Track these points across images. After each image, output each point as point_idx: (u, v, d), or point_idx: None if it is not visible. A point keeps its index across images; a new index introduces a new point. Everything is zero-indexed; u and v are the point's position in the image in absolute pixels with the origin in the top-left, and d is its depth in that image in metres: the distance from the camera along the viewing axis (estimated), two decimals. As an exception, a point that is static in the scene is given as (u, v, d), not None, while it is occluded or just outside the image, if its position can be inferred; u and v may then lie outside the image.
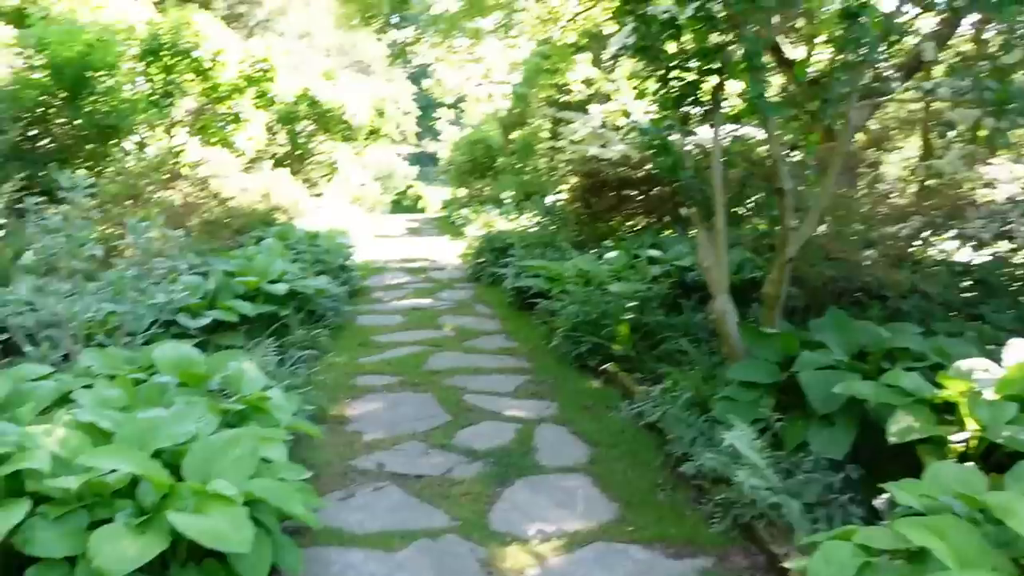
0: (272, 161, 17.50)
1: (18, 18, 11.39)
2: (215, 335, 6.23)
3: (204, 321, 6.06)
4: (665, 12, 4.92)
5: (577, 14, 14.28)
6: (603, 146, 12.62)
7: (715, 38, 4.93)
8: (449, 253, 14.78)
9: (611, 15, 13.30)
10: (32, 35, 10.19)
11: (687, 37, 5.02)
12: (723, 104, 5.04)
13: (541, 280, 8.27)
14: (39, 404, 3.72)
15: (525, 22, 15.11)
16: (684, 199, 5.09)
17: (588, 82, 16.36)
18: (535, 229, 11.49)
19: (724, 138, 5.12)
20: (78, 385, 3.91)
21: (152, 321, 5.17)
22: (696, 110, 5.10)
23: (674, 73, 5.01)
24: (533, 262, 8.76)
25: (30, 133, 9.76)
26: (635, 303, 6.67)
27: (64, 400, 3.79)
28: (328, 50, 27.80)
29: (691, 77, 5.02)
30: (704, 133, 5.51)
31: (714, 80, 5.00)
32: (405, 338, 7.77)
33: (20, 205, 8.86)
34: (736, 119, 5.25)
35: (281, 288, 6.91)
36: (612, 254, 8.58)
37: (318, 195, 18.85)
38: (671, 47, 5.09)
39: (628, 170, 10.23)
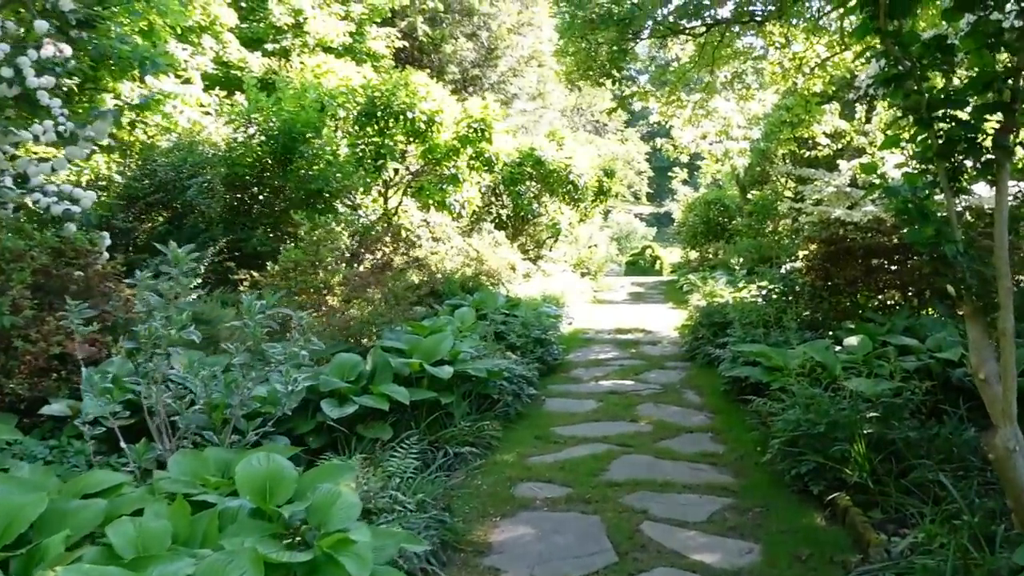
0: (493, 224, 17.20)
1: (267, 88, 11.78)
2: (362, 425, 5.47)
3: (350, 410, 5.31)
4: (930, 30, 3.55)
5: (825, 59, 12.69)
6: (850, 207, 10.87)
7: (1003, 61, 3.49)
8: (668, 324, 13.46)
9: (859, 51, 11.63)
10: (250, 102, 10.40)
11: (959, 63, 3.61)
12: (1013, 153, 3.53)
13: (759, 370, 6.82)
14: (77, 531, 3.02)
15: (766, 72, 13.71)
16: (951, 283, 3.61)
17: (836, 135, 14.55)
18: (760, 302, 9.96)
19: (1013, 200, 3.60)
20: (129, 508, 3.19)
21: (260, 416, 4.44)
22: (970, 162, 3.63)
23: (939, 112, 3.59)
24: (751, 346, 7.31)
25: (239, 196, 9.85)
26: (878, 410, 5.10)
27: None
28: (564, 111, 27.66)
29: (964, 116, 3.58)
30: (981, 192, 3.97)
31: (998, 119, 3.53)
32: (592, 432, 6.63)
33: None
34: (1032, 173, 3.69)
35: (445, 371, 6.05)
36: (852, 340, 6.96)
37: (537, 258, 18.29)
38: (937, 78, 3.69)
39: (879, 236, 8.51)
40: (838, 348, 6.90)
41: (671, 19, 11.65)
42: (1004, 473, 3.41)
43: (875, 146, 13.52)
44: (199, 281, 8.67)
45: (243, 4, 16.18)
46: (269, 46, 15.43)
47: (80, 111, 7.05)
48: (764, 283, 10.74)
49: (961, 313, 6.99)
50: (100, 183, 9.10)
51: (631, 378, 8.95)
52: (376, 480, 4.35)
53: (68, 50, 6.03)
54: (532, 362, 8.56)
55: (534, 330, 9.27)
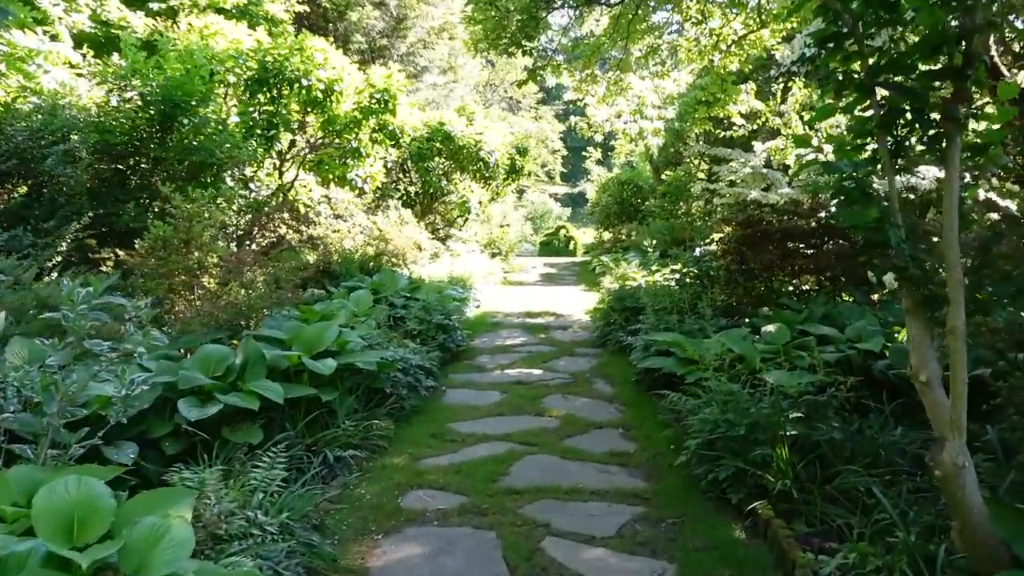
0: (400, 201, 16.44)
1: (149, 50, 10.71)
2: (228, 428, 4.77)
3: (213, 410, 4.60)
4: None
5: (742, 37, 12.36)
6: (766, 189, 10.59)
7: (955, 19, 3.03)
8: (580, 307, 13.02)
9: (777, 29, 11.31)
10: (128, 64, 9.40)
11: (907, 21, 3.13)
12: (964, 127, 3.08)
13: (673, 361, 6.38)
14: None
15: (681, 49, 13.32)
16: (892, 272, 3.15)
17: (752, 115, 14.30)
18: (674, 286, 9.58)
19: (965, 180, 3.16)
20: None
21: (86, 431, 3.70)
22: (915, 136, 3.17)
23: (882, 78, 3.12)
24: (664, 335, 6.87)
25: (112, 167, 8.86)
26: (801, 409, 4.69)
27: None
28: (476, 86, 26.95)
29: (910, 83, 3.12)
30: (927, 173, 3.53)
31: (948, 87, 3.09)
32: (494, 428, 6.07)
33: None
34: (980, 151, 3.24)
35: (327, 365, 5.38)
36: (770, 328, 6.58)
37: (447, 237, 17.62)
38: (880, 37, 3.21)
39: (796, 219, 8.19)
40: (756, 337, 6.52)
41: (585, -12, 11.11)
42: (951, 492, 2.98)
43: (790, 128, 13.32)
44: (57, 260, 7.80)
45: (126, -43, 14.91)
46: (154, 5, 14.21)
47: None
48: (677, 266, 10.39)
49: (877, 300, 6.64)
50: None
51: (539, 366, 8.44)
52: (232, 497, 3.69)
53: None
54: (433, 350, 7.96)
55: (436, 315, 8.64)
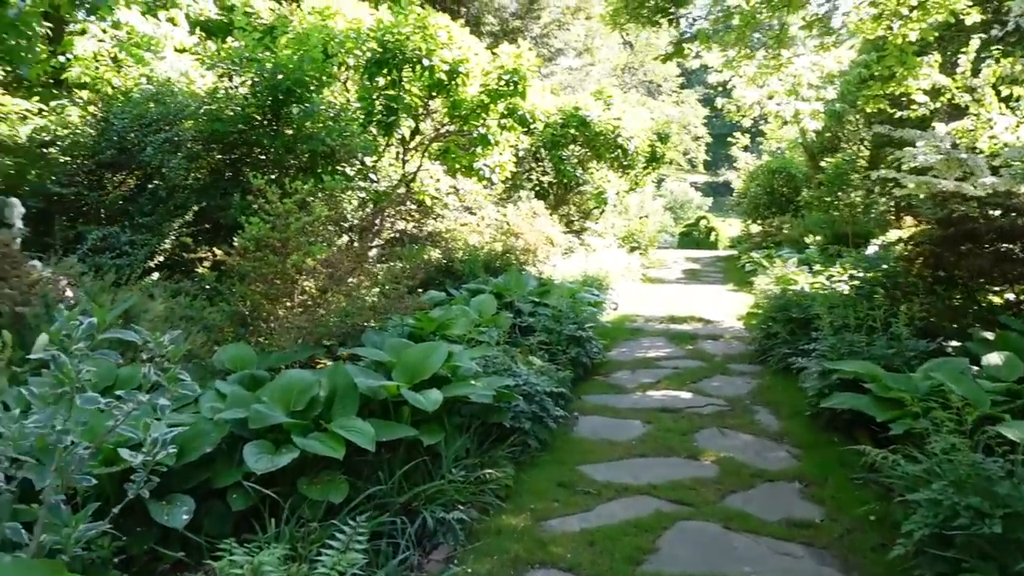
0: (533, 192, 15.43)
1: (271, 35, 10.15)
2: (307, 479, 3.84)
3: (286, 459, 3.68)
4: None
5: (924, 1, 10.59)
6: (961, 178, 8.88)
7: None
8: (730, 311, 11.61)
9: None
10: (244, 47, 8.79)
11: None
12: None
13: (868, 401, 5.02)
14: None
15: (850, 17, 11.64)
16: None
17: (936, 91, 12.41)
18: (847, 292, 8.11)
19: None
20: None
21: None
22: None
23: None
24: (850, 364, 5.50)
25: (221, 158, 8.24)
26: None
27: None
28: (614, 69, 25.64)
29: None
30: None
31: None
32: (635, 475, 4.91)
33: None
34: None
35: (431, 399, 4.36)
36: (994, 358, 5.12)
37: (582, 230, 16.50)
38: None
39: (1014, 215, 6.60)
40: (975, 368, 5.08)
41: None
42: None
43: (982, 105, 11.40)
44: (160, 260, 7.20)
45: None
46: (281, -11, 13.76)
47: None
48: (848, 267, 8.89)
49: None
50: (44, 137, 7.58)
51: (688, 387, 7.21)
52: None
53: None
54: (563, 367, 6.86)
55: (568, 325, 7.55)
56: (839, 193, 17.26)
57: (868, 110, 13.84)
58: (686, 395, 6.94)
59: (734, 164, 29.37)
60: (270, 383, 4.38)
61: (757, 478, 4.90)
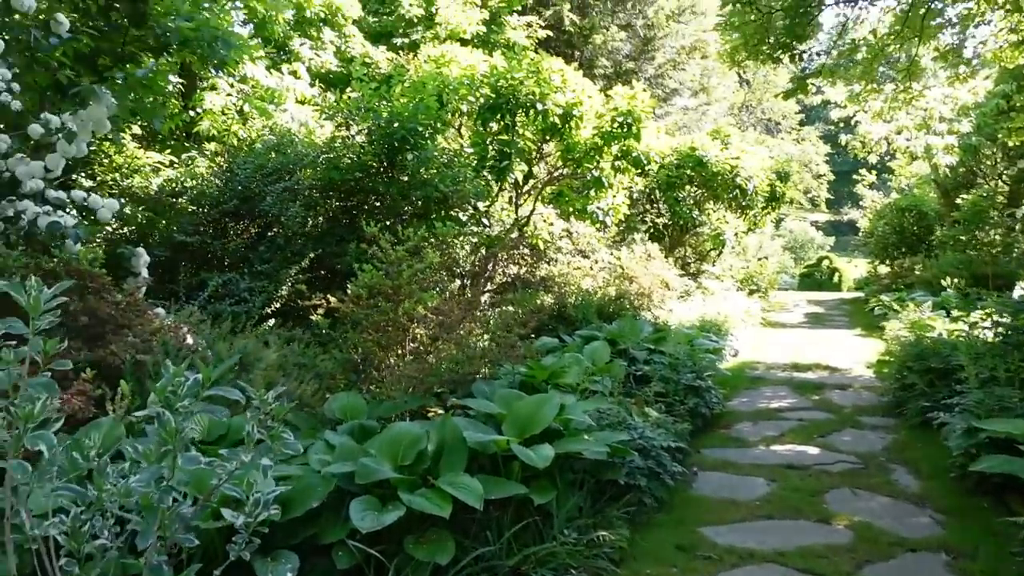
0: (647, 234, 15.16)
1: (388, 84, 10.41)
2: (413, 538, 3.71)
3: (392, 516, 3.56)
4: None
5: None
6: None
7: None
8: (858, 358, 10.96)
9: None
10: (361, 96, 8.99)
11: None
12: None
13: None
14: None
15: (988, 45, 10.99)
16: None
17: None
18: (993, 339, 7.48)
19: None
20: None
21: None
22: None
23: None
24: (1002, 423, 4.99)
25: (338, 205, 8.39)
26: None
27: None
28: (730, 108, 25.17)
29: None
30: None
31: None
32: (760, 540, 4.56)
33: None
34: None
35: (542, 455, 4.17)
36: None
37: (698, 272, 16.07)
38: None
39: None
40: None
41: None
42: None
43: None
44: (276, 307, 7.33)
45: (372, -4, 15.07)
46: (397, 40, 14.14)
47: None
48: (992, 312, 8.21)
49: None
50: (174, 188, 7.92)
51: (815, 442, 6.75)
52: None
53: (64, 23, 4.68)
54: (681, 418, 6.54)
55: (685, 373, 7.24)
56: (977, 232, 16.26)
57: (1010, 143, 13.01)
58: (813, 450, 6.50)
59: (859, 202, 28.19)
60: (378, 435, 4.30)
61: (897, 547, 4.47)
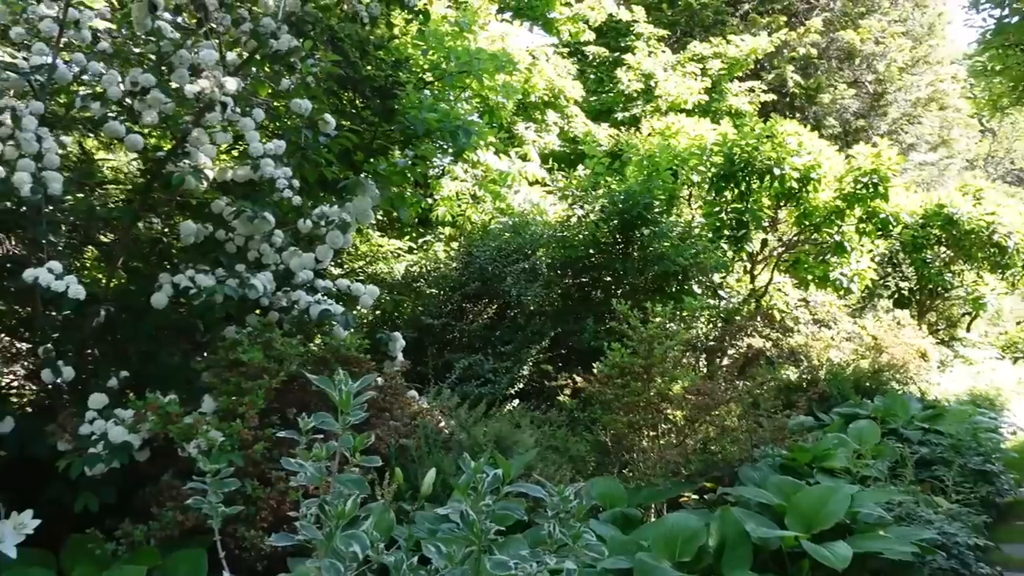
0: (890, 300, 14.00)
1: (613, 160, 10.46)
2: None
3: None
4: None
5: None
6: None
7: None
8: None
9: None
10: (591, 175, 9.03)
11: None
12: None
13: None
14: None
15: None
16: None
17: None
18: None
19: None
20: None
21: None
22: None
23: None
24: None
25: (571, 282, 8.35)
26: None
27: None
28: (972, 161, 23.18)
29: None
30: None
31: None
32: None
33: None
34: None
35: (839, 554, 3.69)
36: None
37: (951, 339, 14.57)
38: None
39: None
40: None
41: None
42: None
43: None
44: (520, 387, 7.30)
45: (591, 76, 15.26)
46: (618, 115, 14.21)
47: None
48: None
49: None
50: (415, 271, 8.21)
51: None
52: None
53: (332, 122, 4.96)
54: (972, 509, 5.72)
55: (971, 456, 6.38)
56: None
57: None
58: None
59: None
60: (648, 527, 4.03)
61: None
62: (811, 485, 4.67)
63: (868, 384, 9.12)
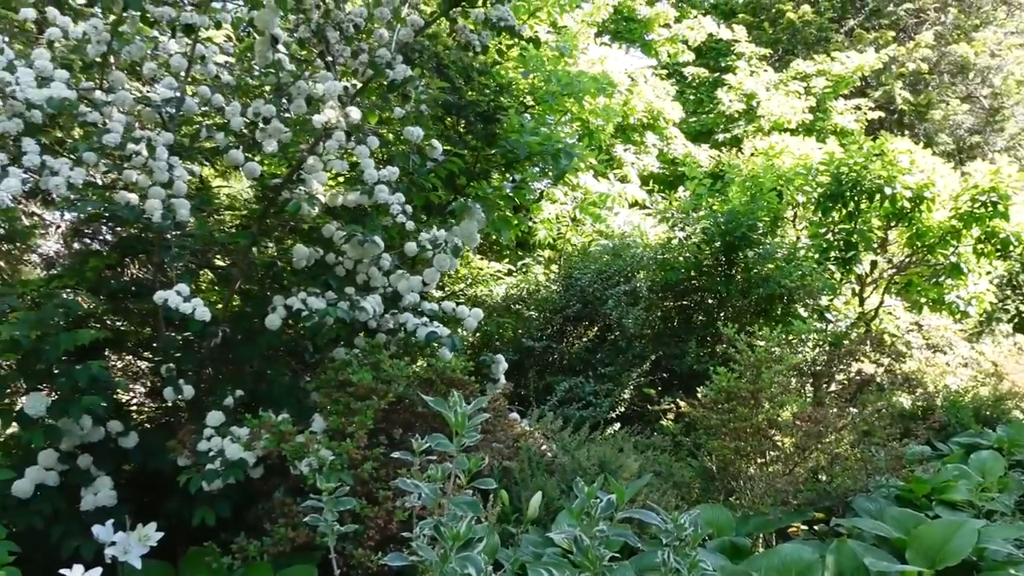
0: (1010, 324, 13.28)
1: (714, 181, 10.34)
2: None
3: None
4: None
5: None
6: None
7: None
8: None
9: None
10: (693, 196, 8.94)
11: None
12: None
13: None
14: None
15: None
16: None
17: None
18: None
19: None
20: None
21: None
22: None
23: None
24: None
25: (671, 305, 8.25)
26: None
27: None
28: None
29: None
30: None
31: None
32: None
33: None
34: None
35: (966, 594, 3.52)
36: None
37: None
38: None
39: None
40: None
41: None
42: None
43: None
44: (621, 411, 7.24)
45: (690, 97, 15.12)
46: (719, 136, 14.02)
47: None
48: None
49: None
50: (514, 294, 8.26)
51: None
52: None
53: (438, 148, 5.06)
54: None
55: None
56: None
57: None
58: None
59: None
60: (759, 557, 3.92)
61: None
62: (931, 518, 4.46)
63: (989, 413, 8.66)
